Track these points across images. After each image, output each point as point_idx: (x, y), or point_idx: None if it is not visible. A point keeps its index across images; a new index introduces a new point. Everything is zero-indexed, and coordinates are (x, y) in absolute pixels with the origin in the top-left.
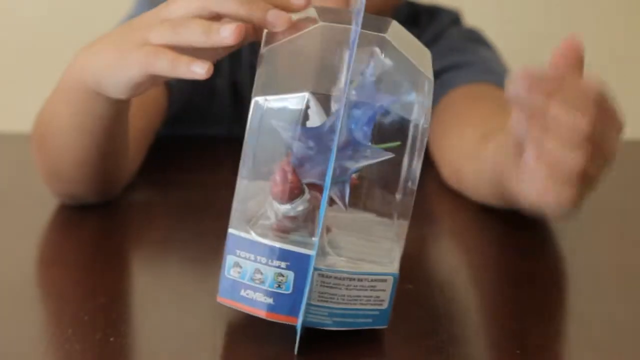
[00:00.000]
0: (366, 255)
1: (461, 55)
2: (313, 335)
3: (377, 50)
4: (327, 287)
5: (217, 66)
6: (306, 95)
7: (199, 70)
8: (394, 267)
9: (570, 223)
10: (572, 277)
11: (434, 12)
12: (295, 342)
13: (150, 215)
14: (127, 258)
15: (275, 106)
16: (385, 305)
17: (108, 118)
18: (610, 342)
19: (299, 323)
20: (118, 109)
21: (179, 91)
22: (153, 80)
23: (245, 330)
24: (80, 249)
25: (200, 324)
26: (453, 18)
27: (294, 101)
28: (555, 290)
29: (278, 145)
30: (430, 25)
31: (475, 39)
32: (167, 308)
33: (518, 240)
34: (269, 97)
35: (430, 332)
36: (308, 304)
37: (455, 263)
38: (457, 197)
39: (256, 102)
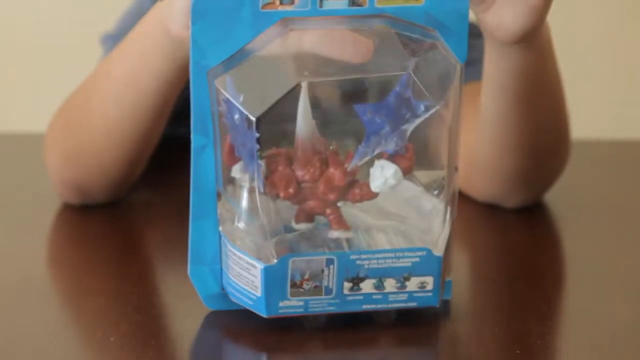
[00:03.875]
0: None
1: None
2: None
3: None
4: (225, 255)
5: None
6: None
7: None
8: (272, 261)
9: (571, 223)
10: (573, 277)
11: None
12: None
13: (150, 215)
14: (127, 258)
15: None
16: (259, 293)
17: (167, 74)
18: (610, 342)
19: (188, 272)
20: (178, 65)
21: None
22: None
23: (244, 328)
24: (81, 249)
25: (201, 324)
26: None
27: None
28: (556, 290)
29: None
30: None
31: (474, 33)
32: (167, 308)
33: (518, 240)
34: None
35: (431, 332)
36: (220, 269)
37: (455, 263)
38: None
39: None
